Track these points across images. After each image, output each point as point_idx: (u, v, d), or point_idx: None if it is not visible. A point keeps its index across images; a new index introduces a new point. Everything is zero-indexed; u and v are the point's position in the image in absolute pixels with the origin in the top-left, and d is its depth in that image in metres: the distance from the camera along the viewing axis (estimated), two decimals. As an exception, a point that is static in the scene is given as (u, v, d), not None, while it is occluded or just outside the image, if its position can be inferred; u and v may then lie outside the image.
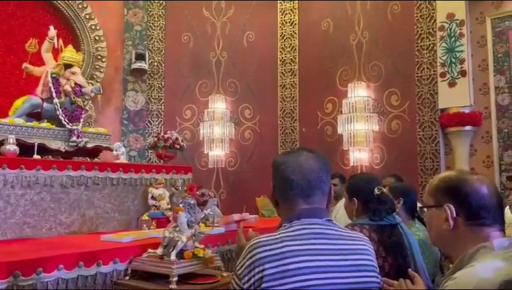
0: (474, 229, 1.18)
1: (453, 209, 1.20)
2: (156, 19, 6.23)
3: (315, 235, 1.27)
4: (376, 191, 1.97)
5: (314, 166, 1.33)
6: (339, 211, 3.36)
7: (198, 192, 3.79)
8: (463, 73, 5.02)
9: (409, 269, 1.43)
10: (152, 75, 6.15)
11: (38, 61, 4.14)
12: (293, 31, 6.37)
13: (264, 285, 1.17)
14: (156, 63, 6.19)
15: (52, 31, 4.14)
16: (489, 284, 1.02)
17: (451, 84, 5.07)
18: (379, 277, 1.34)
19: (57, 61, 4.12)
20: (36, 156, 3.44)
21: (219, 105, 6.27)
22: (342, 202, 2.64)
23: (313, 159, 1.34)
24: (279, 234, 1.27)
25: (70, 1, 5.33)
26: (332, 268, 1.23)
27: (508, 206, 2.76)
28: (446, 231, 1.21)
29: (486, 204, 1.18)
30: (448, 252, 1.31)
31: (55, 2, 5.25)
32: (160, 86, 6.19)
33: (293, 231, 1.27)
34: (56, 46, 4.18)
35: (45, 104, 3.92)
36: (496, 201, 1.20)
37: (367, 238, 1.41)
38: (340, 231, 1.34)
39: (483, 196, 1.18)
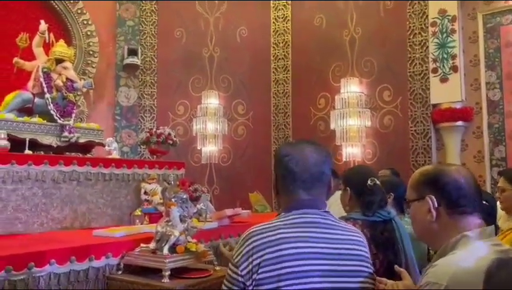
0: (456, 218, 1.21)
1: (435, 199, 1.23)
2: (149, 14, 6.19)
3: (310, 224, 1.32)
4: (369, 182, 1.98)
5: (317, 159, 1.38)
6: (331, 207, 3.36)
7: (191, 188, 3.78)
8: (455, 68, 5.06)
9: (395, 266, 1.46)
10: (144, 70, 6.11)
11: (29, 56, 4.09)
12: (286, 26, 6.38)
13: (261, 269, 1.21)
14: (148, 59, 6.15)
15: (43, 25, 4.09)
16: (470, 273, 1.04)
17: (443, 79, 5.11)
18: (371, 267, 1.37)
19: (48, 56, 4.08)
20: (27, 151, 3.41)
21: (212, 101, 6.26)
22: (334, 197, 2.64)
23: (316, 153, 1.39)
24: (275, 222, 1.33)
25: (61, -5, 5.28)
26: (326, 255, 1.27)
27: (498, 200, 2.79)
28: (430, 222, 1.24)
29: (465, 192, 1.21)
30: (433, 244, 1.33)
31: (45, -4, 5.19)
32: (152, 81, 6.16)
33: (289, 219, 1.32)
34: (47, 41, 4.14)
35: (36, 99, 3.88)
36: (474, 190, 1.24)
37: (360, 231, 1.45)
38: (336, 221, 1.39)
39: (462, 184, 1.22)
